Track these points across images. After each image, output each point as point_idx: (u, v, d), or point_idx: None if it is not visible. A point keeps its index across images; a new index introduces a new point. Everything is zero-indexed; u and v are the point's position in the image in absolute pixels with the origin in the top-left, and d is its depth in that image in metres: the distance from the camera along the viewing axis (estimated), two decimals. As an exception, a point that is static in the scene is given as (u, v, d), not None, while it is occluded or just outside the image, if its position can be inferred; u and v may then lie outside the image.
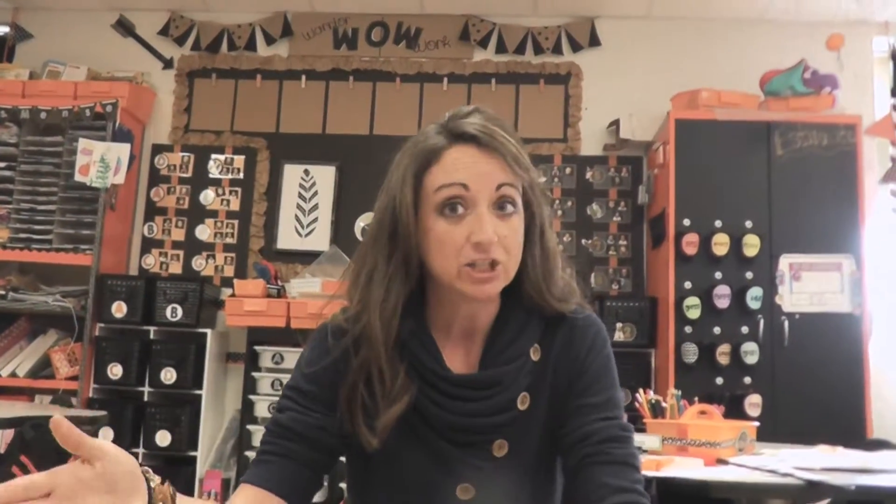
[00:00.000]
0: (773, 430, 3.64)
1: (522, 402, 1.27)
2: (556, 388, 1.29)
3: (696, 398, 2.60)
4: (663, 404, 2.55)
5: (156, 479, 0.97)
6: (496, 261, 1.19)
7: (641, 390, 2.67)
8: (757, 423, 2.53)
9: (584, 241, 4.72)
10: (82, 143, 4.47)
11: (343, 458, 1.35)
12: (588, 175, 4.79)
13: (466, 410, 1.25)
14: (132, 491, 0.92)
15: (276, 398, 1.34)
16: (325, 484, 4.03)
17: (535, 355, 1.30)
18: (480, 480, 1.26)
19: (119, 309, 4.42)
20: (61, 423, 0.87)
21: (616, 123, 4.70)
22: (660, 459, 2.03)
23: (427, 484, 1.27)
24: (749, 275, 4.11)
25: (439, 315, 1.30)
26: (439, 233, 1.21)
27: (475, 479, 1.26)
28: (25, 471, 2.24)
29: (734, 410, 3.82)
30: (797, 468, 1.94)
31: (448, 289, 1.24)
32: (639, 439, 2.40)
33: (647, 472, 1.85)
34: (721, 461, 2.17)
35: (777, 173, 4.19)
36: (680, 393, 2.54)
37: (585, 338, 1.31)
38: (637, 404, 2.63)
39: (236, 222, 4.87)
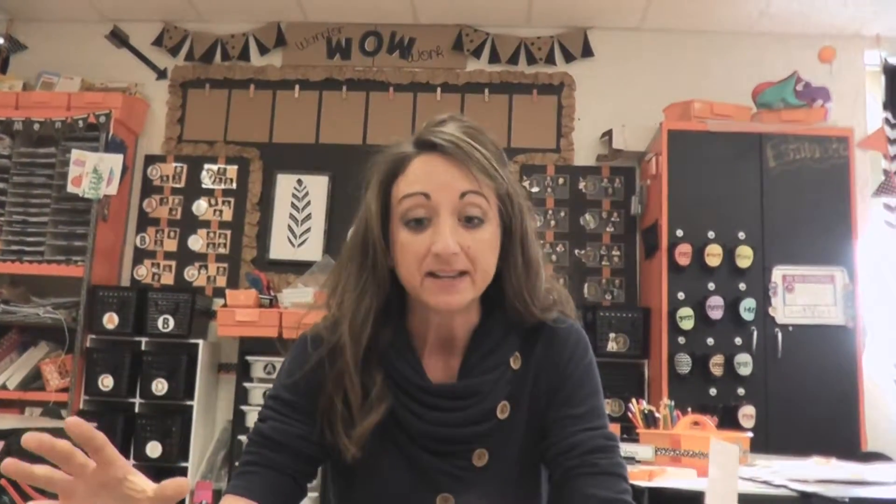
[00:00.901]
0: (767, 442, 3.64)
1: (502, 411, 1.27)
2: (537, 397, 1.29)
3: (690, 409, 2.59)
4: (656, 415, 2.55)
5: None
6: (461, 271, 1.19)
7: (634, 400, 2.66)
8: (750, 435, 2.52)
9: (577, 251, 4.72)
10: (75, 154, 4.46)
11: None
12: (581, 185, 4.79)
13: (445, 420, 1.25)
14: None
15: (265, 408, 1.34)
16: (317, 494, 4.01)
17: (515, 364, 1.29)
18: (461, 490, 1.25)
19: (111, 320, 4.40)
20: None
21: (609, 134, 4.70)
22: (652, 470, 2.02)
23: (407, 494, 1.26)
24: (742, 286, 4.10)
25: (416, 324, 1.30)
26: (403, 243, 1.20)
27: (455, 488, 1.25)
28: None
29: (728, 421, 3.82)
30: (791, 480, 1.93)
31: (416, 299, 1.24)
32: (632, 450, 2.40)
33: (640, 483, 1.84)
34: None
35: (770, 185, 4.19)
36: (673, 403, 2.53)
37: (566, 347, 1.30)
38: (630, 414, 2.62)
39: (229, 232, 4.85)
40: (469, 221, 1.19)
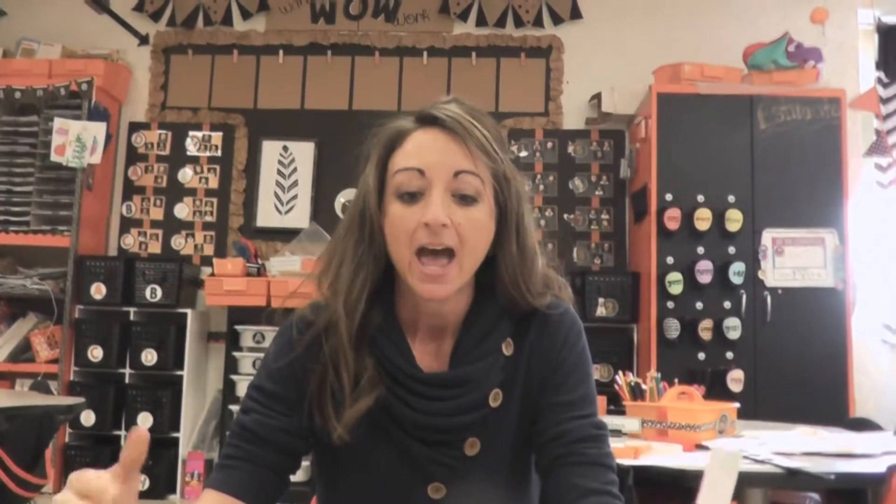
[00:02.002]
0: (755, 406, 3.67)
1: (494, 399, 1.24)
2: (529, 383, 1.27)
3: (677, 380, 2.58)
4: (643, 386, 2.53)
5: None
6: (450, 249, 1.16)
7: (621, 373, 2.65)
8: (737, 405, 2.52)
9: (565, 215, 4.69)
10: (58, 122, 4.40)
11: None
12: (570, 149, 4.75)
13: (436, 409, 1.22)
14: None
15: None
16: (308, 463, 4.02)
17: (507, 350, 1.27)
18: (452, 479, 1.24)
19: (98, 290, 4.38)
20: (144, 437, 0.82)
21: (598, 97, 4.66)
22: (638, 446, 2.02)
23: (398, 483, 1.25)
24: (731, 249, 4.10)
25: (406, 308, 1.27)
26: (394, 216, 1.18)
27: (447, 478, 1.24)
28: (1, 464, 2.22)
29: (716, 386, 3.83)
30: (776, 454, 1.92)
31: (405, 281, 1.21)
32: (619, 422, 2.40)
33: (625, 461, 1.83)
34: (700, 446, 2.16)
35: (760, 147, 4.16)
36: (660, 375, 2.52)
37: (559, 332, 1.28)
38: (617, 387, 2.61)
39: (215, 200, 4.81)
40: (462, 199, 1.17)
